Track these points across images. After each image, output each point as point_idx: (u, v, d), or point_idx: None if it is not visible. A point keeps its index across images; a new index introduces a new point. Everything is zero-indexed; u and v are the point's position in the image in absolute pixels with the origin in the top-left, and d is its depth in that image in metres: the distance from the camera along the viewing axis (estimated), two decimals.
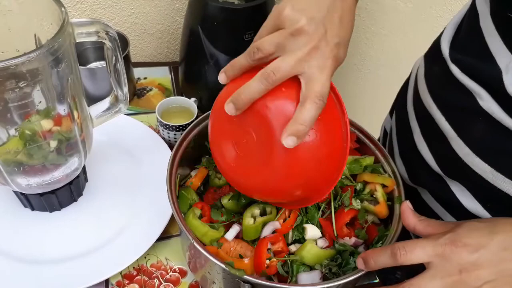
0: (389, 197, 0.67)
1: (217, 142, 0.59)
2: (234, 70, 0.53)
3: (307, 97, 0.48)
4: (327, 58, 0.49)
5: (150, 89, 1.07)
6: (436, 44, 0.68)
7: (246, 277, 0.54)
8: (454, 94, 0.61)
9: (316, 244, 0.61)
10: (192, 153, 0.71)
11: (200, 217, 0.64)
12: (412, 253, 0.49)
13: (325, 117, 0.51)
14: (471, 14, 0.61)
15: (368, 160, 0.68)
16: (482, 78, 0.56)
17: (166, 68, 1.13)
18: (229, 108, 0.51)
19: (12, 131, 0.60)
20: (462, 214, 0.62)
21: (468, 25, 0.62)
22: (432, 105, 0.64)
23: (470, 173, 0.58)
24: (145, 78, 1.09)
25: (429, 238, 0.50)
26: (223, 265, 0.55)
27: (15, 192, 0.73)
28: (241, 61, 0.52)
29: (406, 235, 0.78)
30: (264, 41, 0.50)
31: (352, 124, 0.73)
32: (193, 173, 0.72)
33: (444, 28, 0.68)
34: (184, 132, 0.69)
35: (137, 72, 1.09)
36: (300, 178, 0.53)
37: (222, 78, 0.55)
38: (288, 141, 0.47)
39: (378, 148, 0.71)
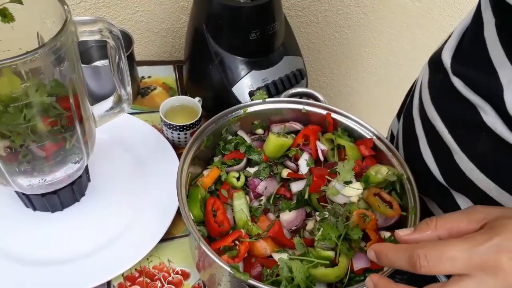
0: (404, 206, 0.65)
1: None
2: None
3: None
4: None
5: (154, 88, 1.06)
6: (438, 52, 0.65)
7: (250, 281, 0.53)
8: (457, 108, 0.58)
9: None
10: (205, 152, 0.71)
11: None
12: (437, 266, 0.39)
13: None
14: (476, 23, 0.57)
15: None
16: (485, 93, 0.53)
17: (171, 67, 1.12)
18: None
19: None
20: None
21: (472, 34, 0.58)
22: (435, 117, 0.62)
23: (474, 189, 0.56)
24: (149, 77, 1.08)
25: (461, 243, 0.39)
26: (228, 268, 0.54)
27: (17, 192, 0.72)
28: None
29: None
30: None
31: (370, 130, 0.72)
32: (205, 173, 0.72)
33: (448, 37, 0.66)
34: (199, 129, 0.69)
35: (141, 70, 1.08)
36: None
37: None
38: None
39: (395, 155, 0.69)
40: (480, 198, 0.56)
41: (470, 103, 0.55)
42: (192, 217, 0.62)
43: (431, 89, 0.65)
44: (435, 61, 0.67)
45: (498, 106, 0.51)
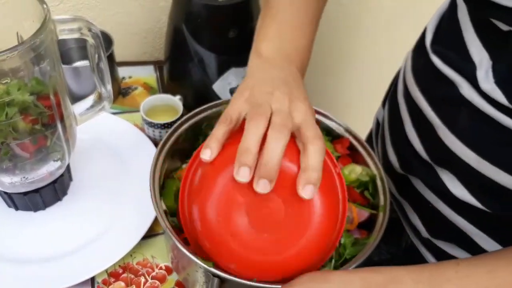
0: (374, 204, 0.67)
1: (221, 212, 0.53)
2: (217, 140, 0.54)
3: (306, 142, 0.50)
4: (303, 97, 0.55)
5: (135, 88, 1.06)
6: (422, 35, 0.70)
7: (214, 270, 0.53)
8: (438, 85, 0.62)
9: None
10: (184, 146, 0.72)
11: None
12: None
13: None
14: (452, 5, 0.62)
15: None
16: (460, 70, 0.57)
17: (151, 67, 1.13)
18: (262, 185, 0.47)
19: None
20: (453, 201, 0.63)
21: (448, 16, 0.63)
22: (419, 97, 0.65)
23: (457, 161, 0.59)
24: (130, 77, 1.09)
25: None
26: (196, 259, 0.54)
27: None
28: (220, 129, 0.54)
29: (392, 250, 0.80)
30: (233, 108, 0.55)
31: (348, 130, 0.73)
32: (183, 166, 0.72)
33: (431, 19, 0.70)
34: (177, 123, 0.69)
35: (122, 71, 1.08)
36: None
37: (207, 153, 0.53)
38: (307, 192, 0.48)
39: (371, 156, 0.70)
40: (463, 170, 0.59)
41: (448, 79, 0.59)
42: (165, 208, 0.62)
43: (414, 72, 0.69)
44: (418, 45, 0.71)
45: (472, 82, 0.55)
